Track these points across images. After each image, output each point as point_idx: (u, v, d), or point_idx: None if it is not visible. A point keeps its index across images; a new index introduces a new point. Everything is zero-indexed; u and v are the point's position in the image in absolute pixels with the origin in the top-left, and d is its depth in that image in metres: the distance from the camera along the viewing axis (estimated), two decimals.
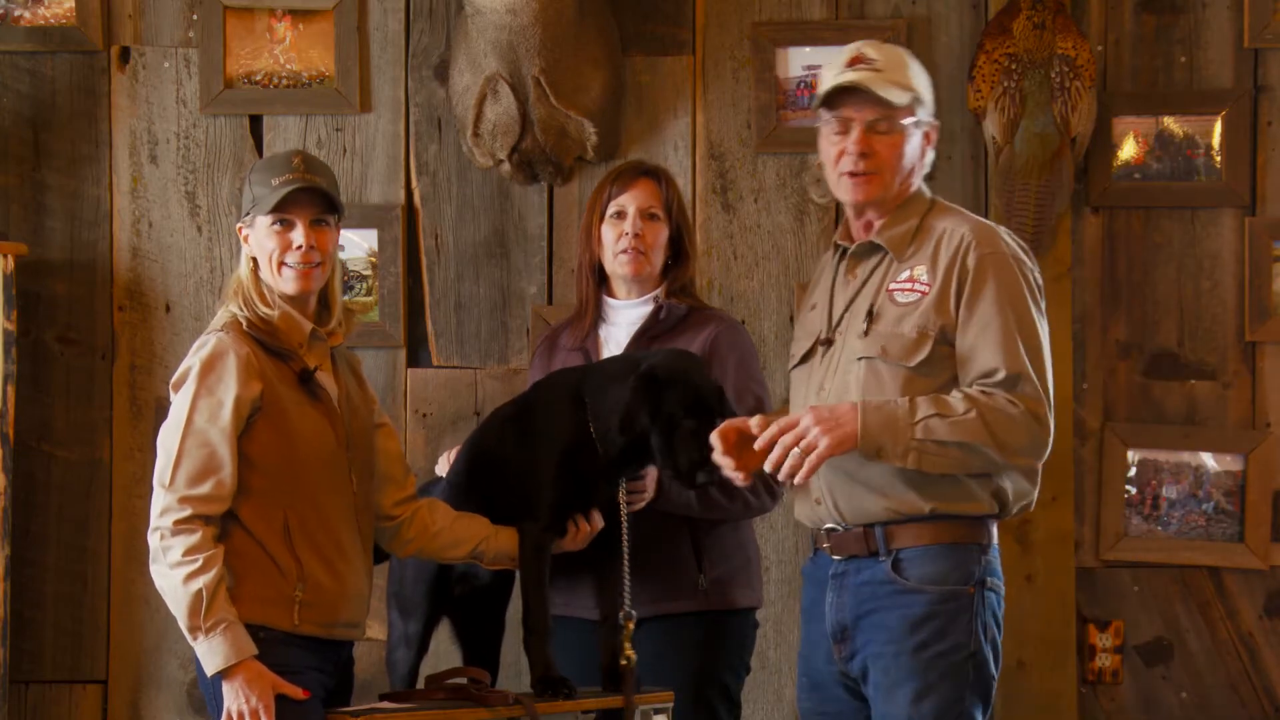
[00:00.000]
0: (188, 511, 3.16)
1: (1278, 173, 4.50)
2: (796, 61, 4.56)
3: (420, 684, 3.59)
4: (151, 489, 3.23)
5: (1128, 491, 4.51)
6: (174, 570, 3.15)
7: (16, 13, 4.61)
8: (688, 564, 3.68)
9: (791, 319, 4.54)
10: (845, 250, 3.37)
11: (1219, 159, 4.51)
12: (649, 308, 3.79)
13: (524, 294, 4.59)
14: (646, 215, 3.77)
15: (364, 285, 4.58)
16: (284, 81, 4.61)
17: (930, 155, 3.35)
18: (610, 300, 3.83)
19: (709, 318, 3.80)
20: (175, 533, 3.16)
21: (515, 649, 3.65)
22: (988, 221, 3.33)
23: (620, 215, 3.77)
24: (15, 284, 4.44)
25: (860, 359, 3.23)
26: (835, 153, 3.29)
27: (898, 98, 3.24)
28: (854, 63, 3.28)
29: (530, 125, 4.45)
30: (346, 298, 4.47)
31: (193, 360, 3.26)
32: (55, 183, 4.63)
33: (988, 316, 3.16)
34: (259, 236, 3.34)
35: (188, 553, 3.14)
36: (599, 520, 3.54)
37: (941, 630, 3.16)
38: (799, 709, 3.46)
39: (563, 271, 4.57)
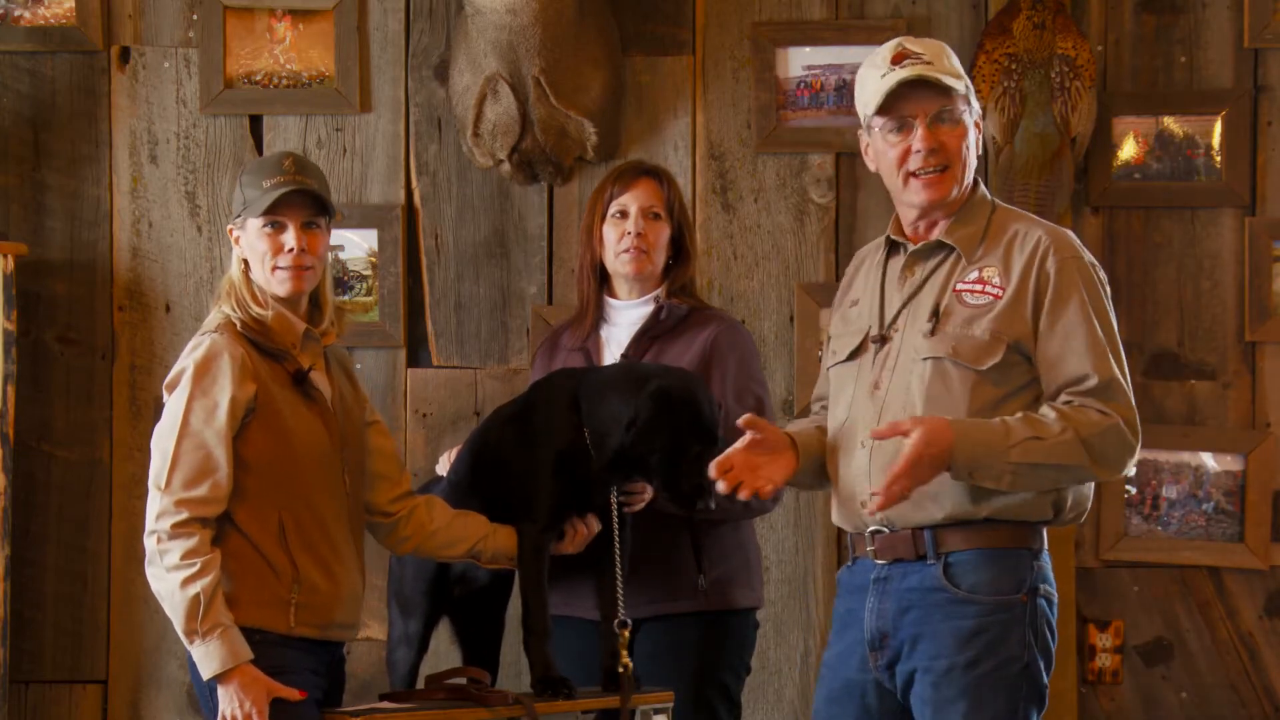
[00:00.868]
0: (185, 514, 3.16)
1: (1278, 173, 4.50)
2: (796, 61, 4.56)
3: (420, 684, 3.59)
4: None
5: (1127, 491, 4.52)
6: (171, 574, 3.14)
7: (16, 13, 4.61)
8: (688, 564, 3.68)
9: (791, 319, 4.54)
10: (897, 247, 3.25)
11: (1219, 159, 4.51)
12: (650, 308, 3.79)
13: (524, 294, 4.59)
14: (649, 214, 3.77)
15: (364, 285, 4.58)
16: (284, 81, 4.61)
17: (981, 148, 3.24)
18: (611, 300, 3.83)
19: (710, 318, 3.80)
20: (173, 536, 3.15)
21: (515, 649, 3.65)
22: (1058, 226, 3.22)
23: (622, 214, 3.77)
24: (15, 284, 4.44)
25: (926, 359, 3.10)
26: (898, 154, 3.15)
27: (958, 85, 3.12)
28: (899, 59, 3.14)
29: (530, 125, 4.45)
30: (347, 298, 4.50)
31: (186, 362, 3.25)
32: (55, 183, 4.63)
33: (1074, 322, 3.06)
34: (250, 238, 3.34)
35: (185, 556, 3.14)
36: (596, 524, 3.54)
37: (993, 644, 3.07)
38: (821, 714, 3.31)
39: (563, 271, 4.57)
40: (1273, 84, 4.52)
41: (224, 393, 3.21)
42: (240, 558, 3.22)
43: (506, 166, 4.54)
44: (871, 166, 3.25)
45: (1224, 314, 4.52)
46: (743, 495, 3.15)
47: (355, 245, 4.58)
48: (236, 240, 3.38)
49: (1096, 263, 3.16)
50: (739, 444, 3.17)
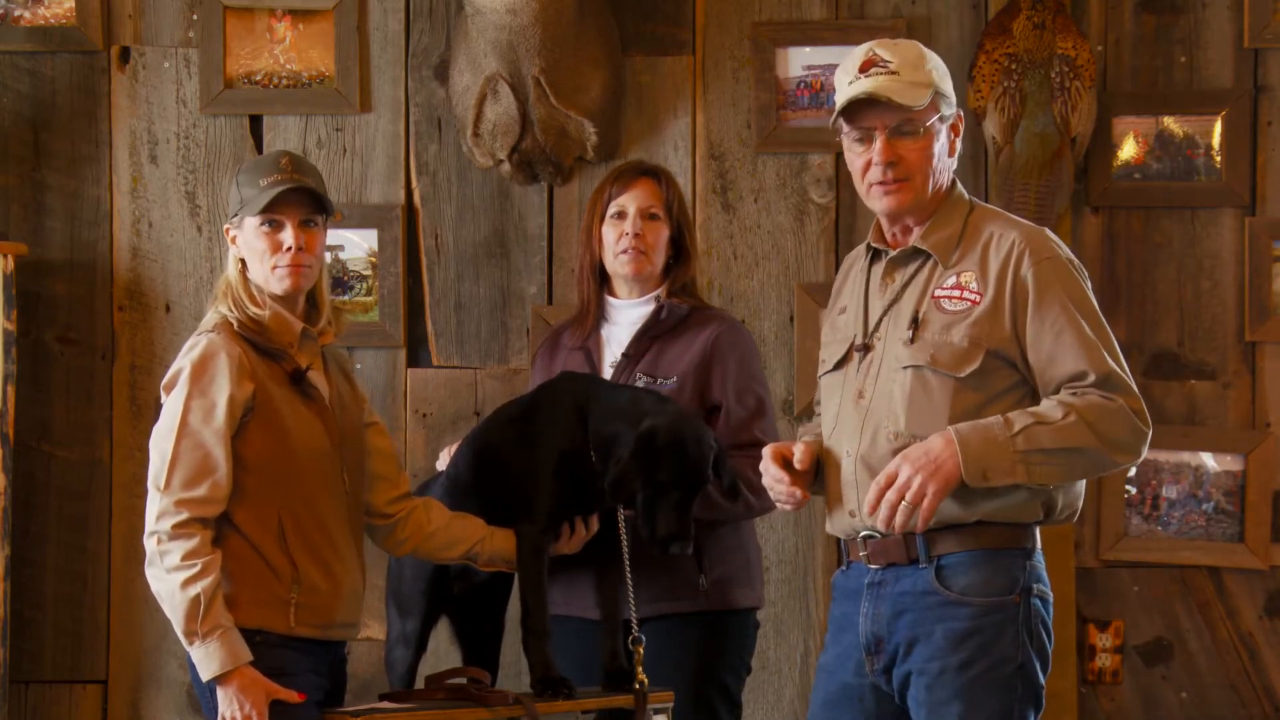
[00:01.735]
0: (184, 515, 3.15)
1: (1278, 173, 4.50)
2: (796, 61, 4.56)
3: (420, 684, 3.59)
4: None
5: (1128, 491, 4.52)
6: (171, 575, 3.14)
7: (16, 13, 4.61)
8: (688, 564, 3.68)
9: (791, 319, 4.54)
10: (879, 254, 3.24)
11: (1219, 159, 4.51)
12: (650, 307, 3.79)
13: (524, 294, 4.59)
14: (647, 215, 3.77)
15: (364, 285, 4.58)
16: (284, 81, 4.61)
17: (959, 147, 3.23)
18: (611, 300, 3.83)
19: (710, 317, 3.80)
20: (173, 537, 3.15)
21: (515, 649, 3.65)
22: (1034, 225, 3.20)
23: (621, 215, 3.77)
24: (15, 284, 4.44)
25: (907, 367, 3.10)
26: (861, 164, 3.16)
27: (917, 100, 3.10)
28: (867, 67, 3.14)
29: (530, 125, 4.45)
30: (347, 297, 4.49)
31: (184, 362, 3.25)
32: (55, 183, 4.63)
33: (1060, 323, 3.04)
34: (248, 237, 3.34)
35: (185, 557, 3.14)
36: (594, 524, 3.53)
37: (986, 645, 3.06)
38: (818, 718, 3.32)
39: (563, 271, 4.57)
40: (1273, 84, 4.52)
41: (222, 392, 3.20)
42: (240, 558, 3.22)
43: (506, 166, 4.54)
44: (849, 168, 3.26)
45: (1224, 314, 4.52)
46: (792, 507, 3.27)
47: (355, 245, 4.58)
48: (233, 240, 3.37)
49: (1075, 259, 3.14)
50: (783, 444, 3.24)
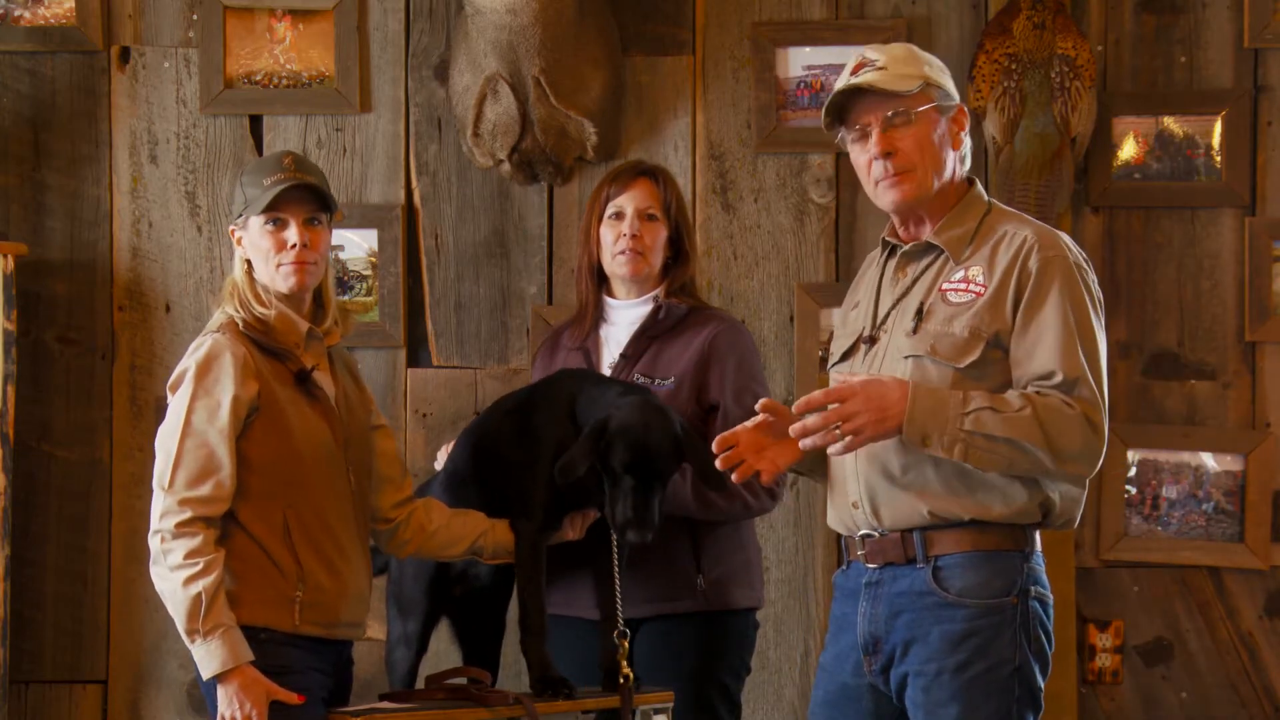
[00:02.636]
0: (188, 514, 3.16)
1: (1278, 173, 4.50)
2: (796, 61, 4.56)
3: (420, 684, 3.59)
4: (151, 489, 3.23)
5: (1128, 491, 4.52)
6: (174, 573, 3.15)
7: (16, 13, 4.61)
8: (687, 564, 3.68)
9: (791, 319, 4.55)
10: (894, 249, 3.24)
11: (1219, 159, 4.51)
12: (649, 307, 3.79)
13: (524, 294, 4.59)
14: (644, 216, 3.77)
15: (364, 285, 4.58)
16: (284, 81, 4.61)
17: (968, 143, 3.21)
18: (610, 300, 3.83)
19: (709, 317, 3.80)
20: (176, 536, 3.15)
21: (515, 649, 3.65)
22: (1050, 227, 3.19)
23: (618, 216, 3.77)
24: (15, 284, 4.44)
25: (907, 357, 3.10)
26: (865, 163, 3.17)
27: (904, 86, 3.10)
28: (857, 69, 3.16)
29: (530, 125, 4.45)
30: (346, 297, 4.49)
31: (189, 361, 3.25)
32: (55, 183, 4.63)
33: (1048, 319, 3.03)
34: (253, 237, 3.34)
35: (189, 556, 3.14)
36: (594, 512, 3.53)
37: (983, 647, 3.06)
38: (812, 715, 3.32)
39: (563, 271, 4.57)
40: (1273, 84, 4.52)
41: (226, 392, 3.21)
42: (245, 556, 3.22)
43: (506, 166, 4.54)
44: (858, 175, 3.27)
45: (1224, 314, 4.52)
46: (737, 477, 3.14)
47: (355, 245, 4.58)
48: (239, 241, 3.38)
49: (1086, 264, 3.12)
50: (747, 423, 3.15)
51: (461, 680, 3.48)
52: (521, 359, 4.55)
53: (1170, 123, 4.53)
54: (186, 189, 4.62)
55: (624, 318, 3.81)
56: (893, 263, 3.25)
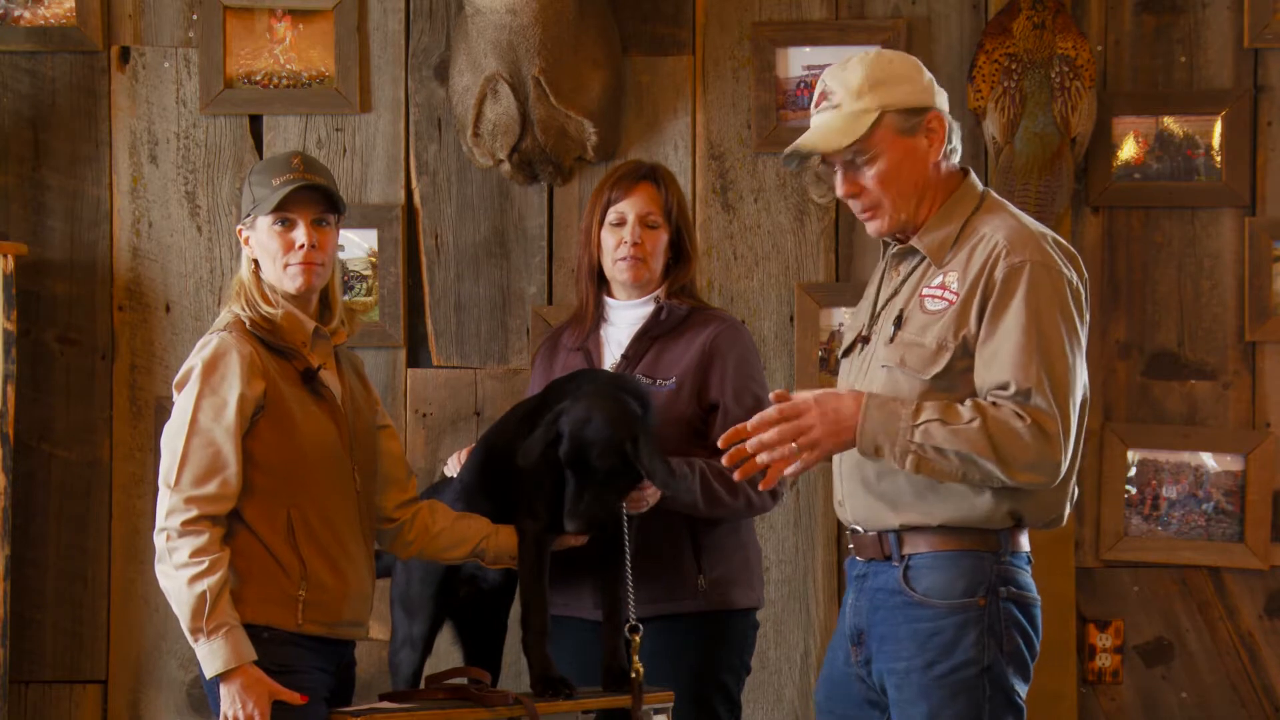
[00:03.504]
0: (194, 512, 3.16)
1: (1278, 173, 4.50)
2: (796, 61, 4.56)
3: (422, 684, 3.59)
4: (152, 488, 3.24)
5: (1128, 491, 4.52)
6: (179, 571, 3.15)
7: (16, 13, 4.61)
8: (687, 564, 3.68)
9: (791, 319, 4.55)
10: (892, 247, 3.29)
11: (1219, 159, 4.51)
12: (650, 308, 3.79)
13: (524, 294, 4.59)
14: (645, 223, 3.77)
15: (364, 285, 4.58)
16: (284, 81, 4.61)
17: (950, 140, 3.18)
18: (611, 301, 3.83)
19: (710, 318, 3.80)
20: (182, 534, 3.16)
21: (515, 649, 3.65)
22: (1029, 226, 3.15)
23: (620, 222, 3.77)
24: (15, 284, 4.44)
25: (883, 366, 3.15)
26: (843, 195, 3.21)
27: (853, 133, 3.10)
28: (819, 101, 3.18)
29: (530, 125, 4.45)
30: (346, 298, 4.49)
31: (195, 360, 3.26)
32: (55, 183, 4.63)
33: (1008, 329, 3.03)
34: (261, 237, 3.35)
35: (194, 554, 3.14)
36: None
37: (948, 647, 3.08)
38: (815, 697, 3.41)
39: (563, 271, 4.57)
40: (1273, 84, 4.52)
41: (232, 390, 3.21)
42: (248, 555, 3.23)
43: (506, 166, 4.54)
44: None
45: (1224, 314, 4.52)
46: (739, 475, 3.13)
47: (355, 245, 4.58)
48: (246, 241, 3.38)
49: (1063, 265, 3.09)
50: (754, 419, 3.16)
51: (462, 680, 3.48)
52: (521, 359, 4.55)
53: (1170, 123, 4.53)
54: (186, 189, 4.62)
55: (625, 318, 3.81)
56: (889, 262, 3.29)
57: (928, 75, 3.20)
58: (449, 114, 4.58)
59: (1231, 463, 4.49)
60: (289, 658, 3.22)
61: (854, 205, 3.20)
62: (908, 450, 3.00)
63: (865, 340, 3.24)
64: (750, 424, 3.05)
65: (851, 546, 3.26)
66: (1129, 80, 4.55)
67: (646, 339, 3.76)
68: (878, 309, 3.25)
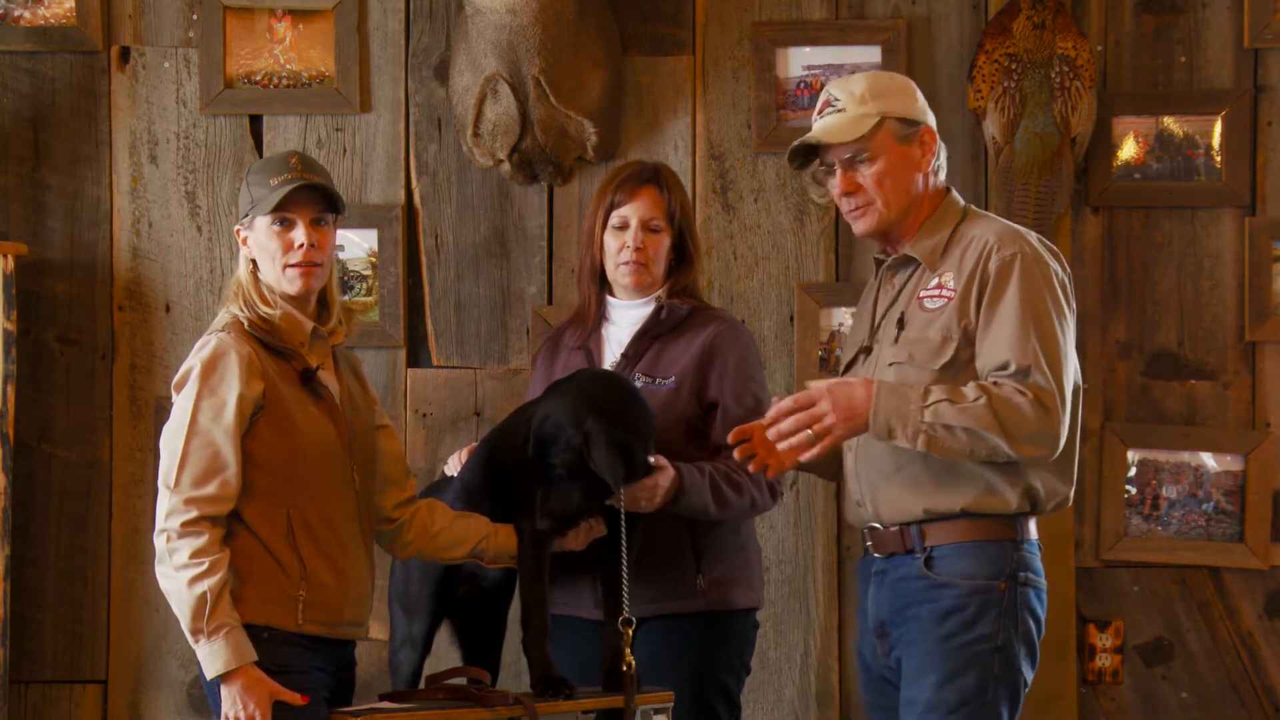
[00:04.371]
0: (194, 513, 3.16)
1: (1278, 173, 4.50)
2: (796, 61, 4.56)
3: (421, 684, 3.59)
4: (152, 488, 3.24)
5: (1128, 491, 4.52)
6: (179, 572, 3.15)
7: (16, 13, 4.61)
8: (687, 564, 3.68)
9: (791, 319, 4.55)
10: (884, 262, 3.50)
11: (1219, 159, 4.51)
12: (651, 308, 3.79)
13: (524, 294, 4.59)
14: (648, 228, 3.77)
15: (364, 285, 4.58)
16: (284, 81, 4.61)
17: (938, 156, 3.45)
18: (612, 300, 3.83)
19: (711, 318, 3.80)
20: (182, 535, 3.16)
21: (515, 649, 3.65)
22: (1015, 226, 3.41)
23: (622, 226, 3.77)
24: (15, 284, 4.44)
25: (891, 364, 3.36)
26: (836, 195, 3.45)
27: (857, 132, 3.36)
28: (823, 108, 3.44)
29: (530, 125, 4.45)
30: (346, 298, 4.49)
31: (194, 360, 3.26)
32: (55, 183, 4.63)
33: (1004, 315, 3.26)
34: (259, 237, 3.35)
35: (194, 555, 3.14)
36: (600, 526, 3.53)
37: (968, 622, 3.26)
38: (862, 700, 3.60)
39: (563, 271, 4.57)
40: (1273, 84, 4.52)
41: (231, 391, 3.21)
42: (248, 555, 3.23)
43: (506, 166, 4.54)
44: None
45: (1224, 314, 4.52)
46: (752, 468, 3.36)
47: (355, 245, 4.58)
48: (244, 241, 3.38)
49: (1050, 257, 3.34)
50: (762, 420, 3.36)
51: (461, 680, 3.47)
52: (521, 359, 4.55)
53: (1170, 123, 4.53)
54: (186, 189, 4.62)
55: (626, 318, 3.81)
56: (883, 275, 3.50)
57: (922, 98, 3.47)
58: (449, 114, 4.58)
59: (1231, 463, 4.49)
60: (289, 658, 3.22)
61: (846, 203, 3.42)
62: (919, 430, 3.19)
63: (867, 351, 3.44)
64: (767, 418, 3.25)
65: (869, 544, 3.41)
66: (1129, 80, 4.55)
67: (646, 338, 3.77)
68: (877, 320, 3.45)
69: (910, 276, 3.42)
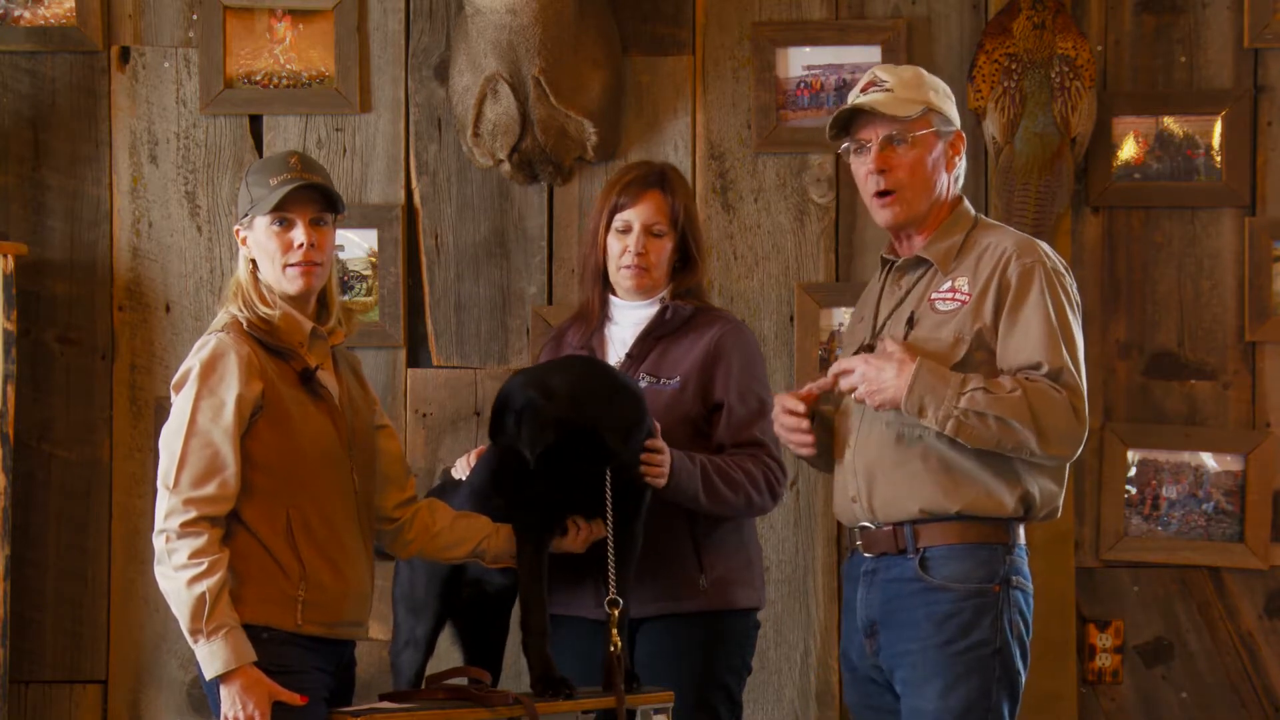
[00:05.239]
0: (193, 514, 3.16)
1: (1278, 173, 4.50)
2: (796, 61, 4.56)
3: (422, 684, 3.59)
4: (152, 488, 3.23)
5: (1128, 491, 4.51)
6: (178, 573, 3.15)
7: (16, 13, 4.61)
8: (688, 564, 3.68)
9: (792, 319, 4.55)
10: (891, 264, 3.50)
11: (1219, 159, 4.51)
12: (655, 308, 3.79)
13: (524, 294, 4.59)
14: (651, 232, 3.76)
15: (364, 285, 4.58)
16: (284, 81, 4.61)
17: (962, 165, 3.47)
18: (615, 300, 3.83)
19: (714, 318, 3.81)
20: (181, 535, 3.16)
21: (515, 649, 3.65)
22: (1030, 236, 3.44)
23: (625, 230, 3.77)
24: (15, 284, 4.44)
25: None
26: (863, 175, 3.43)
27: (906, 111, 3.36)
28: (867, 87, 3.42)
29: (530, 125, 4.45)
30: (346, 298, 4.49)
31: (193, 361, 3.26)
32: (55, 183, 4.63)
33: (1031, 317, 3.28)
34: (259, 237, 3.34)
35: (193, 556, 3.14)
36: (600, 528, 3.53)
37: (966, 627, 3.27)
38: (847, 701, 3.59)
39: (563, 271, 4.57)
40: (1273, 84, 4.52)
41: (230, 391, 3.21)
42: (248, 556, 3.23)
43: (506, 166, 4.54)
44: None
45: (1224, 314, 4.52)
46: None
47: (355, 245, 4.58)
48: (244, 241, 3.38)
49: (1065, 270, 3.38)
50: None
51: (462, 680, 3.47)
52: (521, 359, 4.55)
53: (1170, 123, 4.53)
54: (186, 189, 4.62)
55: (629, 318, 3.81)
56: (890, 277, 3.49)
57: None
58: (449, 114, 4.58)
59: (1231, 463, 4.49)
60: (288, 658, 3.22)
61: (874, 182, 3.41)
62: (950, 414, 3.21)
63: (869, 350, 3.40)
64: (806, 389, 3.40)
65: (860, 544, 3.42)
66: (1129, 80, 4.55)
67: (650, 339, 3.77)
68: (881, 320, 3.44)
69: (920, 278, 3.42)
